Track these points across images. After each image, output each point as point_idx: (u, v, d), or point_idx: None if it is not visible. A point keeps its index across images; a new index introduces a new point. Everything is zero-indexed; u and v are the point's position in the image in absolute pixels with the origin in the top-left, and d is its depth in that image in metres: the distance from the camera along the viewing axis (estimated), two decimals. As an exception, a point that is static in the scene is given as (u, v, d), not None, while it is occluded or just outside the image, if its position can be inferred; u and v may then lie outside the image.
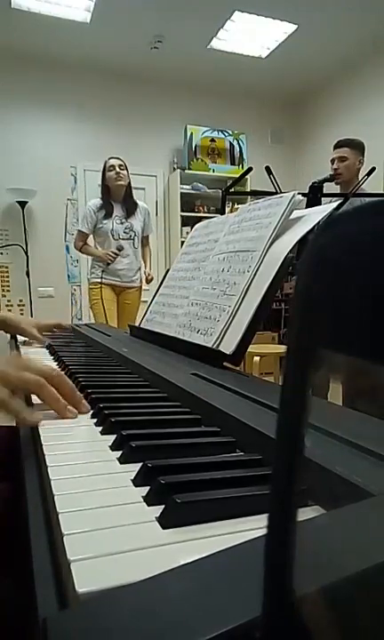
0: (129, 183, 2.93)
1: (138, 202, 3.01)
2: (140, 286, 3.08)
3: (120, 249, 2.87)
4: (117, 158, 2.90)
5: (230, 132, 4.53)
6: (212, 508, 0.30)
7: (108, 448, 0.42)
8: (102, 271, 2.96)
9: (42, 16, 3.40)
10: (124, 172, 2.88)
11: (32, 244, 4.04)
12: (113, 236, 2.89)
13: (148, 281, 3.09)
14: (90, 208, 2.93)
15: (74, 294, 4.27)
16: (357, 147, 2.45)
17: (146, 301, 1.23)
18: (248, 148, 4.59)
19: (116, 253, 2.86)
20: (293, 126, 5.01)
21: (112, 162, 2.88)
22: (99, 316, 2.94)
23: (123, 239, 2.91)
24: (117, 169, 2.85)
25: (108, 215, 2.88)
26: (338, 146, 2.47)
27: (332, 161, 2.46)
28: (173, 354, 0.84)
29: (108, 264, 2.87)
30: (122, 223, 2.90)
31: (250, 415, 0.45)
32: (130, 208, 2.93)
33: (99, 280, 2.97)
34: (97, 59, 4.04)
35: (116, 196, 2.91)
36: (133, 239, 2.93)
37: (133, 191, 3.00)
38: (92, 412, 0.53)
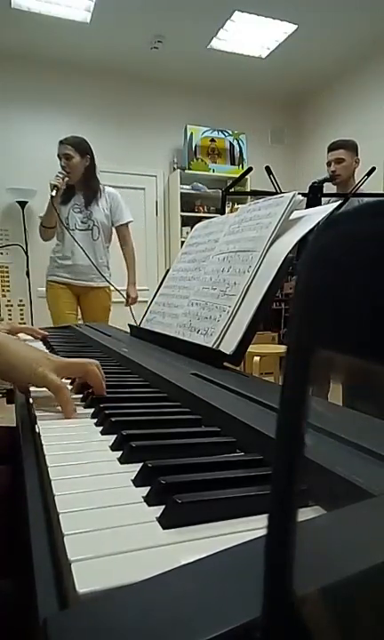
0: (91, 163, 2.42)
1: (102, 187, 2.50)
2: (107, 287, 2.56)
3: (64, 171, 2.35)
4: (65, 143, 2.37)
5: (230, 132, 4.53)
6: (213, 508, 0.30)
7: (108, 448, 0.42)
8: (56, 267, 2.50)
9: (42, 16, 3.40)
10: (74, 159, 2.35)
11: (32, 244, 4.03)
12: (68, 225, 2.42)
13: (128, 302, 2.56)
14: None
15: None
16: (352, 147, 2.47)
17: (145, 301, 1.22)
18: (248, 148, 4.59)
19: (61, 172, 2.34)
20: (293, 126, 5.00)
21: (59, 149, 2.38)
22: (54, 320, 2.47)
23: (79, 229, 2.43)
24: (63, 160, 2.37)
25: (66, 201, 2.43)
26: (333, 148, 2.47)
27: (329, 163, 2.47)
28: (173, 354, 0.84)
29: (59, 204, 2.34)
30: (80, 212, 2.44)
31: (250, 415, 0.45)
32: (89, 194, 2.45)
33: (51, 277, 2.52)
34: (97, 59, 4.03)
35: (74, 182, 2.41)
36: (92, 230, 2.45)
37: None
38: (92, 411, 0.53)
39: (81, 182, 2.42)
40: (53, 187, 2.32)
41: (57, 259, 2.51)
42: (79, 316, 2.59)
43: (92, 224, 2.45)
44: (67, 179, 2.34)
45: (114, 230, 2.57)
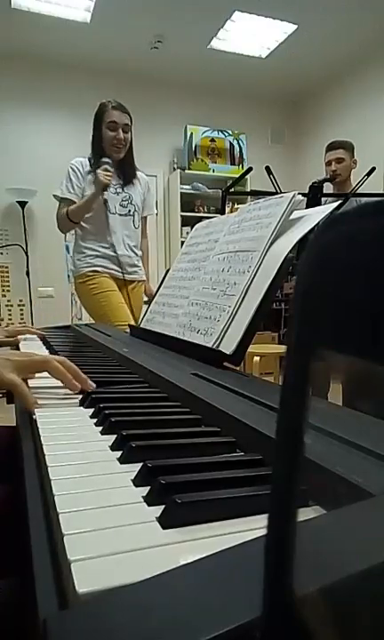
0: (130, 141, 2.04)
1: (137, 169, 2.14)
2: (143, 281, 2.20)
3: (109, 163, 1.95)
4: (122, 110, 1.97)
5: (230, 132, 4.53)
6: (213, 508, 0.30)
7: (108, 448, 0.42)
8: (98, 256, 2.03)
9: (42, 16, 3.40)
10: (129, 134, 2.00)
11: (32, 244, 4.04)
12: (108, 209, 1.98)
13: (148, 296, 2.18)
14: (74, 168, 2.01)
15: (74, 294, 4.27)
16: (350, 148, 2.51)
17: (146, 301, 1.22)
18: (248, 148, 4.59)
19: (106, 169, 1.93)
20: (293, 126, 5.01)
21: (115, 116, 1.95)
22: (104, 314, 1.94)
23: (119, 214, 2.02)
24: (121, 131, 1.96)
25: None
26: (333, 147, 2.49)
27: (329, 162, 2.48)
28: (173, 354, 0.84)
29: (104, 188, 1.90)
30: (117, 193, 2.02)
31: (250, 415, 0.45)
32: (128, 174, 2.06)
33: (90, 268, 2.02)
34: (97, 59, 4.03)
35: (113, 158, 2.01)
36: (133, 215, 2.07)
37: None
38: (92, 411, 0.53)
39: (121, 159, 2.03)
40: (105, 186, 1.91)
41: (99, 247, 2.03)
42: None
43: (132, 209, 2.07)
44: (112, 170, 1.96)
45: None
